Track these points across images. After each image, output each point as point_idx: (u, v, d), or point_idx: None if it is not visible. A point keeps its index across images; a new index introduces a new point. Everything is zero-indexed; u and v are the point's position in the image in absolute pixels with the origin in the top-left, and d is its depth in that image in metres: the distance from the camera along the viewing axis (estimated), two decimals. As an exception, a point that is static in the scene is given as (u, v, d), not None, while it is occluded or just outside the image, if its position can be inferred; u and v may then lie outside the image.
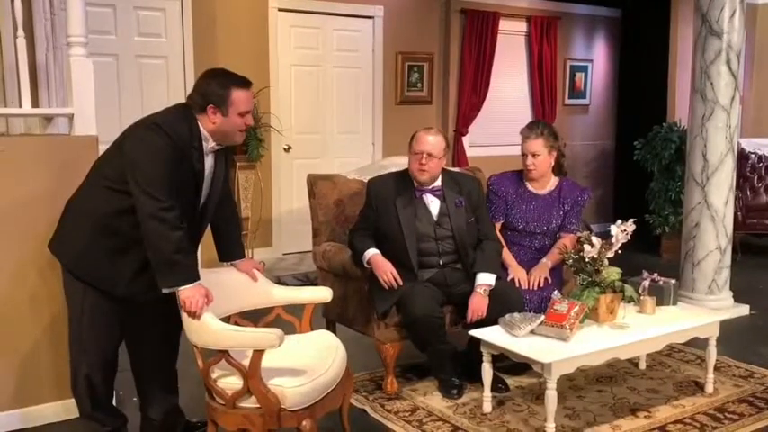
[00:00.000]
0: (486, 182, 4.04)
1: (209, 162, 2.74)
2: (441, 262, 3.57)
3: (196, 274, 2.57)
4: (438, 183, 3.59)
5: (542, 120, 4.06)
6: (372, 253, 3.46)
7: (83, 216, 2.68)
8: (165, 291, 2.56)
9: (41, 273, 3.10)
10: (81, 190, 2.75)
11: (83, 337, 2.74)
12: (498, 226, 3.93)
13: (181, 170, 2.60)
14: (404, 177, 3.60)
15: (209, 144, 2.72)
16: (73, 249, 2.70)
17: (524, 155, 3.87)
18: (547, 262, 3.81)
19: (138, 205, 2.52)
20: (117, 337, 2.83)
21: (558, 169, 3.97)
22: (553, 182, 3.96)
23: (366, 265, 3.48)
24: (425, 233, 3.54)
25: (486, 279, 3.50)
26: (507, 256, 3.81)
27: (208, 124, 2.67)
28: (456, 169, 4.01)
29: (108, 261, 2.66)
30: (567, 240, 3.83)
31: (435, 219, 3.56)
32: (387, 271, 3.39)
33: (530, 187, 3.95)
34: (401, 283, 3.39)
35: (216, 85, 2.66)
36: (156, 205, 2.49)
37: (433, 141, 3.50)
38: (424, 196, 3.57)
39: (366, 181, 3.94)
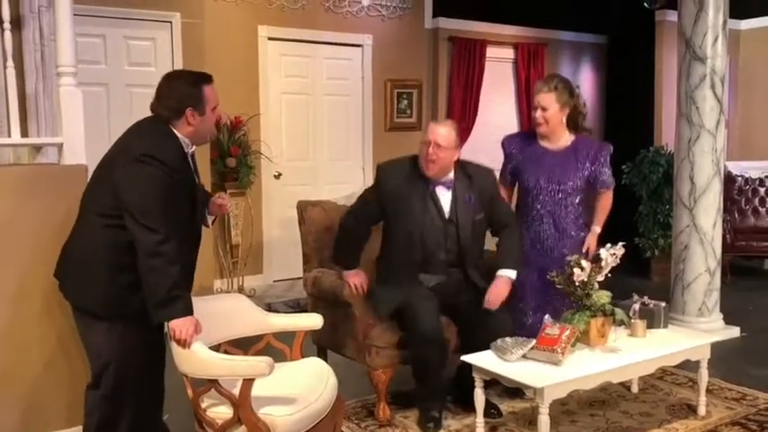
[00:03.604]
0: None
1: (192, 165, 2.76)
2: (443, 257, 3.48)
3: (190, 308, 2.55)
4: (451, 175, 3.50)
5: (560, 75, 3.95)
6: (347, 270, 3.52)
7: (93, 258, 2.64)
8: (157, 322, 2.54)
9: (37, 299, 3.06)
10: (79, 232, 2.70)
11: (132, 379, 2.69)
12: (504, 192, 3.81)
13: (179, 189, 2.60)
14: (417, 166, 3.47)
15: (191, 149, 2.73)
16: (95, 294, 2.65)
17: (534, 108, 3.75)
18: (596, 228, 3.80)
19: (135, 241, 2.50)
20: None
21: (575, 126, 3.77)
22: (567, 138, 3.75)
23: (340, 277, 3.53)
24: (434, 226, 3.46)
25: (509, 273, 3.49)
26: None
27: (185, 129, 2.66)
28: (472, 162, 3.78)
29: (135, 294, 2.60)
30: (605, 198, 3.82)
31: (447, 214, 3.48)
32: (353, 281, 3.45)
33: (543, 143, 3.77)
34: (363, 292, 3.46)
35: (186, 86, 2.65)
36: (153, 239, 2.47)
37: (442, 132, 3.40)
38: (436, 188, 3.48)
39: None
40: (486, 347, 3.23)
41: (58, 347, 3.12)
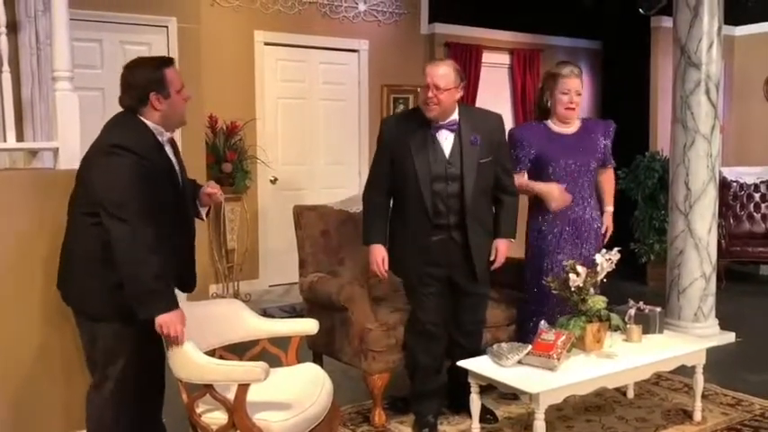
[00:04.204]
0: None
1: (170, 153, 2.72)
2: (446, 204, 3.31)
3: (175, 301, 2.52)
4: (455, 116, 3.34)
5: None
6: (373, 242, 3.39)
7: (84, 258, 2.62)
8: (142, 317, 2.49)
9: (34, 304, 3.05)
10: (69, 235, 2.70)
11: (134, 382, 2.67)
12: (524, 176, 3.77)
13: (156, 178, 2.55)
14: (419, 114, 3.36)
15: (165, 137, 2.69)
16: (91, 294, 2.62)
17: (564, 93, 3.72)
18: (610, 208, 3.93)
19: (110, 234, 2.45)
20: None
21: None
22: (577, 122, 3.85)
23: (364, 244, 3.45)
24: (438, 174, 3.30)
25: (509, 238, 3.51)
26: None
27: (153, 115, 2.63)
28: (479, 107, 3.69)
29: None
30: (610, 176, 3.99)
31: (447, 157, 3.32)
32: (377, 261, 3.36)
33: (556, 129, 3.79)
34: (385, 277, 3.41)
35: (147, 71, 2.63)
36: (126, 228, 2.43)
37: (441, 73, 3.24)
38: (438, 134, 3.32)
39: (348, 212, 3.94)
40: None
41: (55, 352, 3.10)
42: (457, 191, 3.32)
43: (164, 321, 2.48)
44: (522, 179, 3.73)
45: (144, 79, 2.62)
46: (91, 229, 2.59)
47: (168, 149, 2.73)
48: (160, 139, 2.67)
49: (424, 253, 3.35)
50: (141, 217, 2.46)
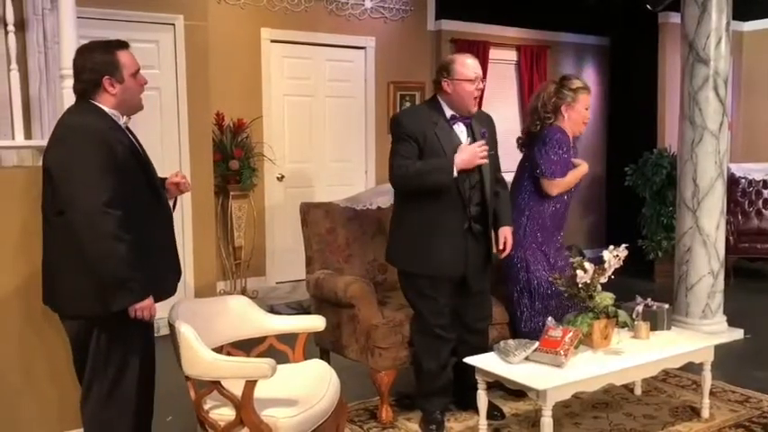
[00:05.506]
0: (548, 136, 3.70)
1: (131, 137, 2.66)
2: (468, 194, 3.32)
3: (148, 288, 2.49)
4: None
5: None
6: (448, 163, 3.19)
7: (66, 258, 2.54)
8: (115, 309, 2.45)
9: (32, 302, 3.04)
10: (46, 239, 2.60)
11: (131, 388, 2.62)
12: (560, 182, 3.69)
13: (117, 160, 2.46)
14: (434, 107, 3.38)
15: (122, 120, 2.62)
16: (77, 296, 2.54)
17: (587, 109, 3.78)
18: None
19: (72, 223, 2.38)
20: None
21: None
22: None
23: (455, 175, 3.20)
24: None
25: (510, 225, 3.54)
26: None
27: (109, 100, 2.56)
28: None
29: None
30: None
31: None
32: (475, 148, 3.20)
33: (570, 138, 3.81)
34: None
35: (99, 55, 2.55)
36: (83, 218, 2.35)
37: (478, 64, 3.36)
38: (455, 125, 3.36)
39: (354, 210, 3.92)
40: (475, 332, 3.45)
41: (47, 351, 3.10)
42: (476, 181, 3.35)
43: (139, 307, 2.46)
44: (568, 177, 3.70)
45: (96, 62, 2.54)
46: (64, 227, 2.47)
47: (130, 135, 2.66)
48: (119, 123, 2.60)
49: (453, 247, 3.31)
50: (102, 203, 2.36)
